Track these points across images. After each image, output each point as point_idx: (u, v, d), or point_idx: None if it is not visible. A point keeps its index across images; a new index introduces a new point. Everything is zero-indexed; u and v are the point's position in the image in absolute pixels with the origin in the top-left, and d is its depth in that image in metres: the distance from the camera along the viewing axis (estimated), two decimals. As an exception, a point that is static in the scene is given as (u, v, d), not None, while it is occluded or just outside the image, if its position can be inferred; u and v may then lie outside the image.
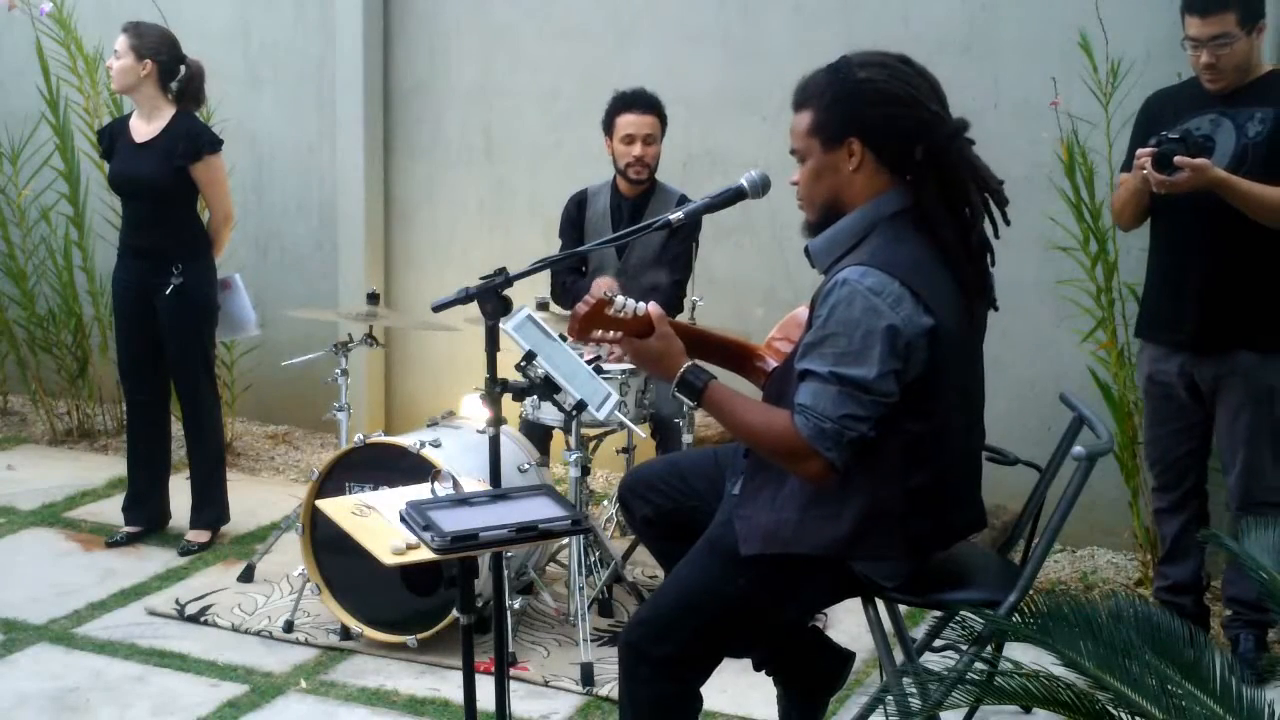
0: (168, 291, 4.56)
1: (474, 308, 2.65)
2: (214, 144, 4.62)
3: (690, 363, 2.64)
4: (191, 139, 4.57)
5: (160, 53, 4.57)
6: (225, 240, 4.79)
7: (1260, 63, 3.66)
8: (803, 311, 2.70)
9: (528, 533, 2.44)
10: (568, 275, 4.55)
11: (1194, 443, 3.83)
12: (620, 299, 2.63)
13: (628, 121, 4.44)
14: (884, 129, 2.51)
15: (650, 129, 4.45)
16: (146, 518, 4.83)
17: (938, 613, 3.18)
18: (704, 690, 2.75)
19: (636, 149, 4.43)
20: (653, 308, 2.67)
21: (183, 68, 4.63)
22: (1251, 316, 3.64)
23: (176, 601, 4.24)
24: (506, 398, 2.70)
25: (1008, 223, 2.62)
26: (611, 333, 2.65)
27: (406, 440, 3.88)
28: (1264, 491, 3.70)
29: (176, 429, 5.97)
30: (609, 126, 4.48)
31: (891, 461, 2.51)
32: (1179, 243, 3.71)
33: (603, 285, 2.64)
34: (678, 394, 2.66)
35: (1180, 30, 4.51)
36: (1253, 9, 3.57)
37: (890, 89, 2.50)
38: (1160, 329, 3.83)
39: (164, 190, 4.57)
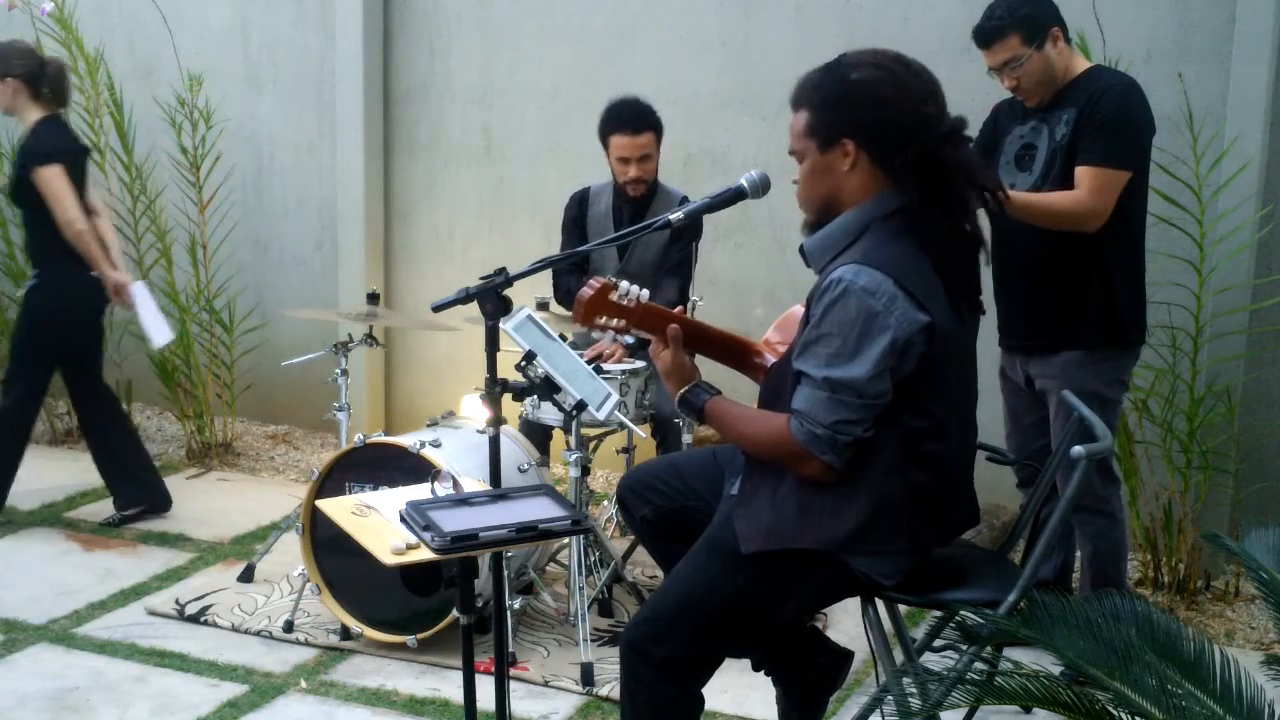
0: (25, 292, 4.80)
1: (474, 308, 2.65)
2: (42, 157, 4.65)
3: (693, 383, 2.69)
4: (24, 151, 4.72)
5: (14, 67, 4.69)
6: (90, 250, 4.67)
7: (1073, 66, 3.63)
8: (799, 310, 2.71)
9: (528, 533, 2.43)
10: (569, 277, 4.55)
11: (1047, 437, 3.81)
12: (624, 285, 2.65)
13: (620, 144, 4.38)
14: (877, 131, 2.52)
15: (644, 148, 4.38)
16: (125, 500, 4.97)
17: (938, 613, 3.18)
18: (704, 690, 2.75)
19: (632, 170, 4.39)
20: (672, 328, 2.70)
21: (45, 70, 4.76)
22: (1075, 316, 3.64)
23: (176, 601, 4.24)
24: (506, 398, 2.71)
25: (1001, 215, 2.64)
26: (615, 320, 2.67)
27: (406, 440, 3.87)
28: (1090, 499, 3.67)
29: (176, 429, 6.01)
30: (604, 140, 4.45)
31: (892, 457, 2.52)
32: (1005, 249, 3.70)
33: (597, 283, 2.66)
34: (680, 411, 2.76)
35: (1179, 30, 4.54)
36: (1035, 25, 3.54)
37: (882, 91, 2.50)
38: (1001, 333, 3.86)
39: (14, 195, 4.80)
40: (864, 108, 2.51)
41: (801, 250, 2.66)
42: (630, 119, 4.38)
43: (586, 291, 2.64)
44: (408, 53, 5.80)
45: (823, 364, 2.47)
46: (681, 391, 2.70)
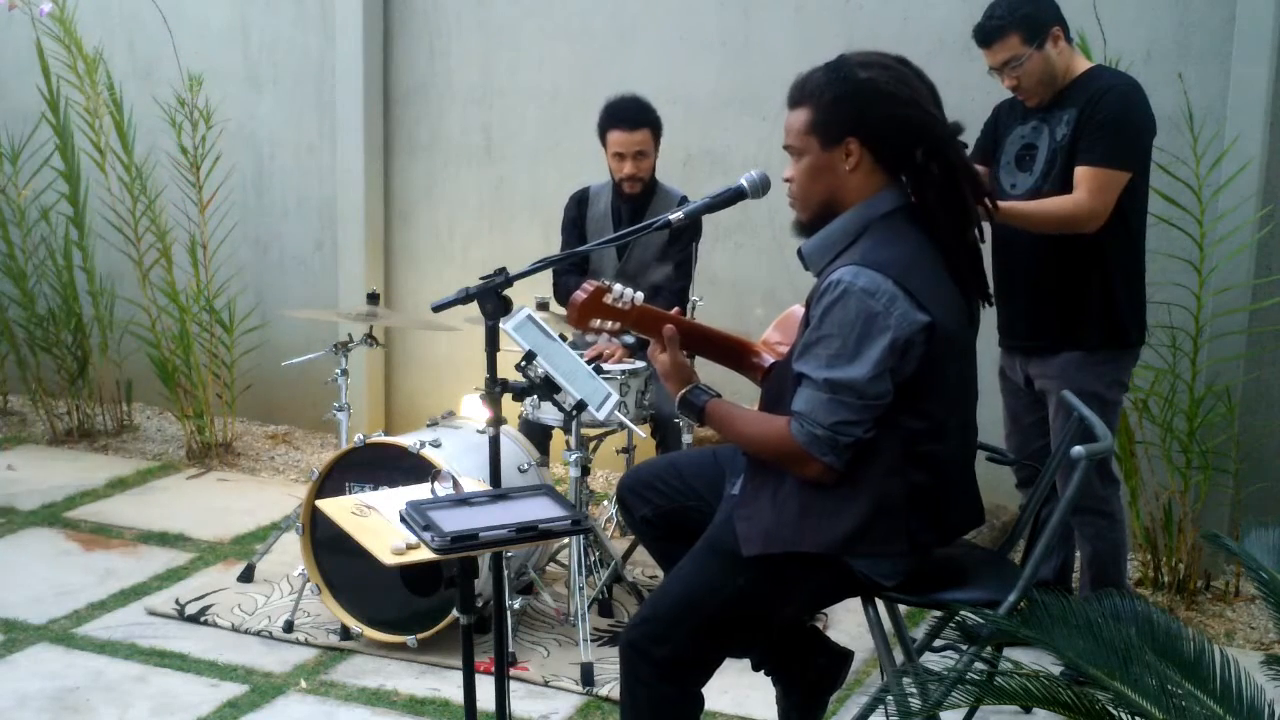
0: None
1: (474, 308, 2.65)
2: None
3: (692, 384, 2.70)
4: None
5: None
6: None
7: (1074, 66, 3.64)
8: (798, 310, 2.72)
9: (528, 533, 2.43)
10: (569, 278, 4.55)
11: (1047, 438, 3.81)
12: (618, 287, 2.65)
13: (616, 139, 4.39)
14: (884, 129, 2.52)
15: (640, 145, 4.39)
16: None
17: (938, 613, 3.18)
18: (705, 690, 2.75)
19: (627, 166, 4.40)
20: (668, 329, 2.70)
21: None
22: (1074, 317, 3.64)
23: (176, 601, 4.24)
24: (506, 398, 2.70)
25: (993, 222, 2.64)
26: (610, 323, 2.67)
27: (406, 440, 3.87)
28: (1090, 500, 3.67)
29: (176, 429, 6.01)
30: (602, 137, 4.46)
31: (891, 458, 2.52)
32: (1005, 250, 3.70)
33: (590, 286, 2.66)
34: (680, 413, 2.76)
35: (1179, 30, 4.54)
36: (1036, 25, 3.54)
37: (891, 89, 2.51)
38: (1000, 333, 3.85)
39: None
40: (872, 106, 2.50)
41: (800, 252, 2.66)
42: (626, 115, 4.39)
43: (580, 295, 2.64)
44: (408, 53, 5.79)
45: (823, 365, 2.47)
46: (682, 392, 2.71)
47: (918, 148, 2.53)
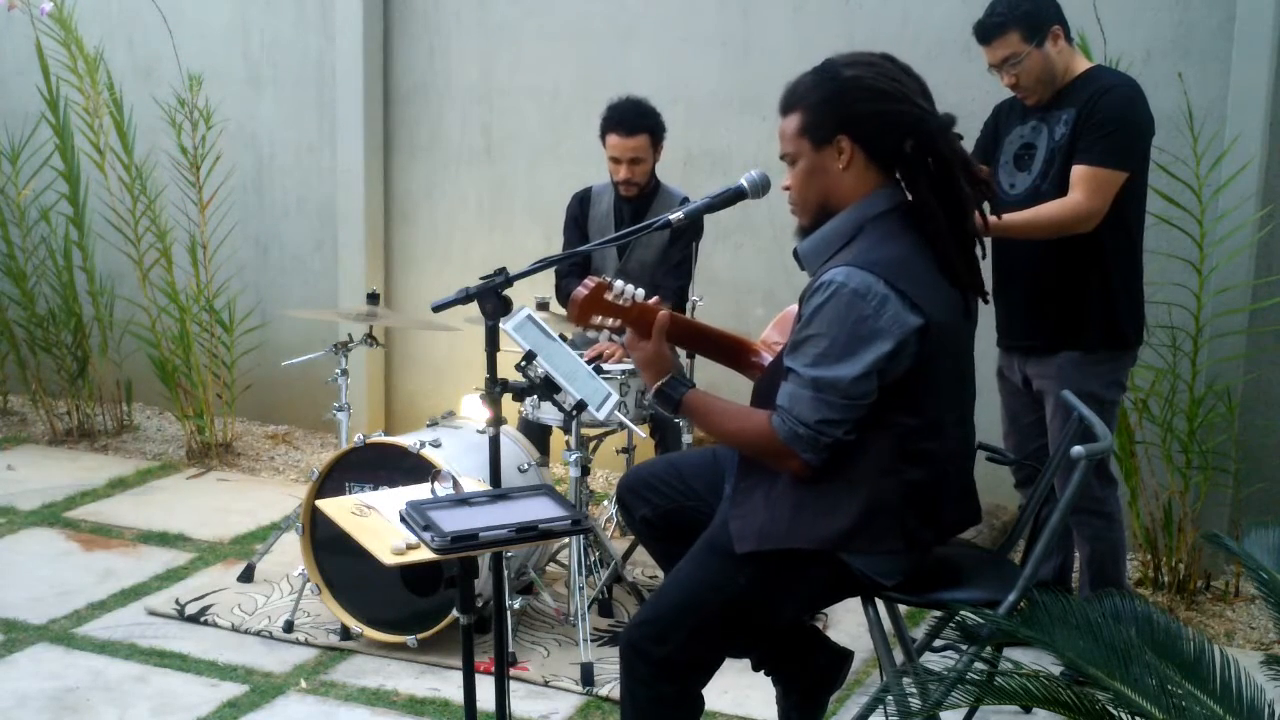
0: None
1: (474, 308, 2.65)
2: None
3: (670, 375, 2.68)
4: None
5: None
6: None
7: (1073, 66, 3.64)
8: (795, 309, 2.72)
9: (528, 533, 2.43)
10: (571, 279, 4.55)
11: (1045, 438, 3.80)
12: (619, 284, 2.65)
13: (613, 143, 4.40)
14: (873, 124, 2.53)
15: (635, 151, 4.39)
16: None
17: (938, 613, 3.18)
18: (705, 690, 2.75)
19: (622, 171, 4.41)
20: (658, 317, 2.69)
21: None
22: (1073, 317, 3.64)
23: (176, 601, 4.24)
24: (506, 398, 2.71)
25: (996, 215, 2.64)
26: (611, 320, 2.67)
27: (406, 440, 3.87)
28: (1087, 500, 3.65)
29: (176, 429, 6.01)
30: (602, 138, 4.46)
31: (886, 455, 2.52)
32: (1003, 249, 3.70)
33: (591, 282, 2.66)
34: (654, 403, 2.74)
35: (1179, 30, 4.54)
36: (1036, 23, 3.55)
37: (877, 85, 2.52)
38: (999, 333, 3.85)
39: None
40: (859, 102, 2.51)
41: (796, 254, 2.66)
42: (624, 120, 4.39)
43: (581, 291, 2.64)
44: (408, 53, 5.80)
45: (810, 363, 2.48)
46: (659, 384, 2.69)
47: (906, 140, 2.53)
